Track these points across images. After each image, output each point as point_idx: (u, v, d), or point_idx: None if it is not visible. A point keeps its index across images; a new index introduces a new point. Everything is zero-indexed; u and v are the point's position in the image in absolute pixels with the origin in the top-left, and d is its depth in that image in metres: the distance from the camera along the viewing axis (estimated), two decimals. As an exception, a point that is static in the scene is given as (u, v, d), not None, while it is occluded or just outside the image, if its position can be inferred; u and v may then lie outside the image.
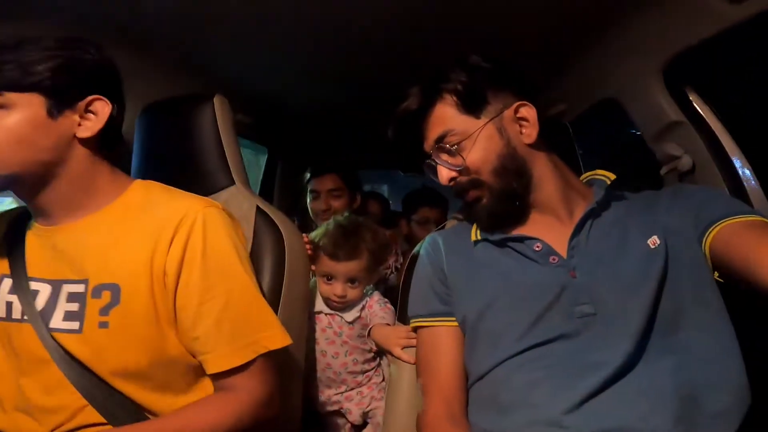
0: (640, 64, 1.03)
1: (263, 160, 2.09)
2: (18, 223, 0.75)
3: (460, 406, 0.74)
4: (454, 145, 0.77)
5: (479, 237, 0.81)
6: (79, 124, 0.68)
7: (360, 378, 1.18)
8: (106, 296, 0.66)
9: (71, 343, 0.66)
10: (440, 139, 0.78)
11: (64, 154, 0.67)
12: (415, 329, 0.85)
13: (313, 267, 1.13)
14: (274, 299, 0.87)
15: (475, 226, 0.83)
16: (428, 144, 0.81)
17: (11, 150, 0.63)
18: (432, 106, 0.79)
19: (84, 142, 0.69)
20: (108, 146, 0.73)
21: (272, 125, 1.82)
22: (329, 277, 1.13)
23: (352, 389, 1.17)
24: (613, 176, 0.80)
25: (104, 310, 0.66)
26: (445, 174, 0.78)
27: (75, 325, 0.67)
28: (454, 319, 0.79)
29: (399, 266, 1.60)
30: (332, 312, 1.16)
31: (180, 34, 1.05)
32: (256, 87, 1.42)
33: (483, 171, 0.76)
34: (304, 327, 0.98)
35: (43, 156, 0.66)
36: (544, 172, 0.79)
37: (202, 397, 0.71)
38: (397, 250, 1.63)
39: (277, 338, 0.72)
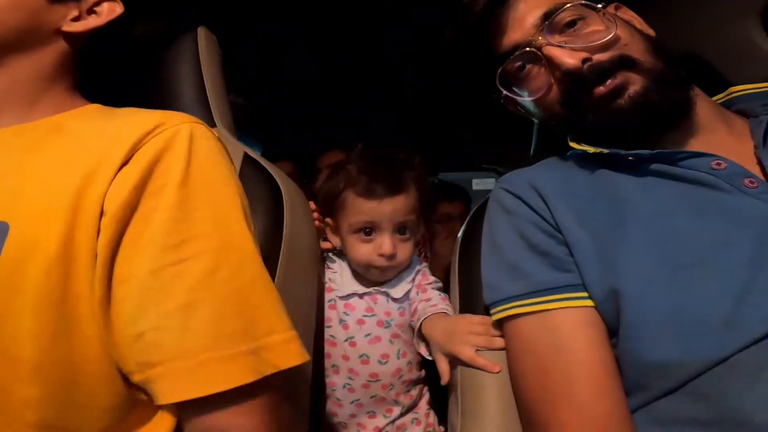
0: (728, 9, 0.82)
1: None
2: None
3: None
4: (575, 21, 0.57)
5: (603, 150, 0.55)
6: (74, 20, 0.54)
7: (414, 392, 0.85)
8: None
9: None
10: (549, 15, 0.58)
11: (33, 44, 0.52)
12: (502, 322, 0.57)
13: (329, 234, 0.86)
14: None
15: (578, 145, 0.59)
16: (524, 28, 0.59)
17: None
18: None
19: (67, 39, 0.54)
20: (87, 57, 0.58)
21: (268, 114, 1.67)
22: (368, 230, 0.80)
23: (407, 412, 0.84)
24: None
25: None
26: (568, 56, 0.55)
27: None
28: (585, 294, 0.51)
29: (428, 255, 1.36)
30: (371, 290, 0.83)
31: None
32: (254, 65, 1.26)
33: (633, 46, 0.56)
34: (311, 325, 0.70)
35: (6, 34, 0.50)
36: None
37: None
38: (425, 239, 1.34)
39: (292, 351, 0.44)
